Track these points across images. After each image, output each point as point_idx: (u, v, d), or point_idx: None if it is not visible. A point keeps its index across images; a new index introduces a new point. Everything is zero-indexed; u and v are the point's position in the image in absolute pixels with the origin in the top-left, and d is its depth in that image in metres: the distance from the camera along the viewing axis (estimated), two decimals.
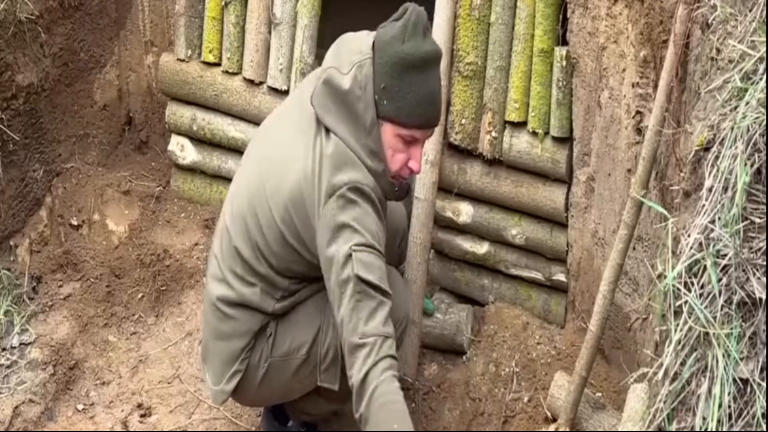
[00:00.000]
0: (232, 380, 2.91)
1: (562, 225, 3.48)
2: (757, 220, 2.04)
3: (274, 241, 2.76)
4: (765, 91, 2.12)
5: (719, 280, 2.01)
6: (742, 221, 2.04)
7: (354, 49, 2.67)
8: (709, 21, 2.38)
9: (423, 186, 3.41)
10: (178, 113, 4.01)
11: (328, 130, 2.66)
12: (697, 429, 1.94)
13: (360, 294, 2.53)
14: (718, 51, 2.30)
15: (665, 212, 2.41)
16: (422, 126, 2.68)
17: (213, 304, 2.89)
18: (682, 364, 2.00)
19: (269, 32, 3.76)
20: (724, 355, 1.95)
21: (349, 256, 2.54)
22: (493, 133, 3.45)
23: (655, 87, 2.79)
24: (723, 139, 2.13)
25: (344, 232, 2.56)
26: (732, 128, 2.11)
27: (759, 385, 1.92)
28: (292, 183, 2.67)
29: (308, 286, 2.88)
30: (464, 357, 3.51)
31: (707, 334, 1.98)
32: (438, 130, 3.43)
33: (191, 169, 4.08)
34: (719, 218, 2.05)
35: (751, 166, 2.07)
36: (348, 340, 2.51)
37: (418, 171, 2.77)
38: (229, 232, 2.86)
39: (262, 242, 2.78)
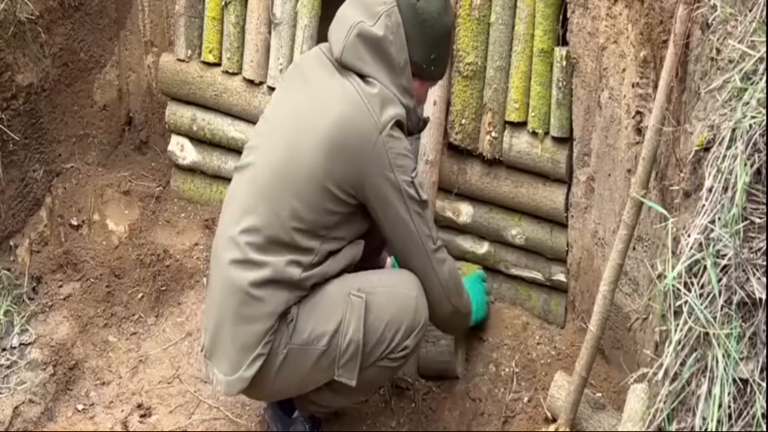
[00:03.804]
0: (253, 365, 2.86)
1: (562, 225, 3.48)
2: (757, 220, 2.04)
3: (311, 193, 2.84)
4: (765, 91, 2.12)
5: (719, 280, 2.01)
6: (742, 221, 2.04)
7: (374, 2, 2.93)
8: (709, 21, 2.38)
9: (423, 186, 3.41)
10: (178, 113, 4.01)
11: (362, 77, 2.89)
12: (697, 429, 1.94)
13: (425, 210, 2.96)
14: (718, 51, 2.30)
15: (665, 212, 2.41)
16: None
17: (240, 291, 2.86)
18: (682, 364, 2.00)
19: (269, 32, 3.77)
20: (724, 355, 1.95)
21: (411, 182, 2.89)
22: (493, 133, 3.45)
23: (655, 87, 2.79)
24: (723, 139, 2.13)
25: (400, 161, 2.87)
26: (732, 128, 2.11)
27: (759, 385, 1.92)
28: (334, 123, 2.85)
29: (332, 257, 2.91)
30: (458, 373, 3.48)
31: (707, 334, 1.98)
32: (438, 130, 3.43)
33: (191, 169, 4.08)
34: (719, 218, 2.05)
35: (751, 166, 2.07)
36: (427, 249, 2.96)
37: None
38: (249, 209, 2.89)
39: (296, 200, 2.84)
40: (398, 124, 2.88)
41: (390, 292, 2.95)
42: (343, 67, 2.91)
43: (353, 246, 2.99)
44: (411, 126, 3.00)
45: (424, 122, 3.14)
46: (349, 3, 2.98)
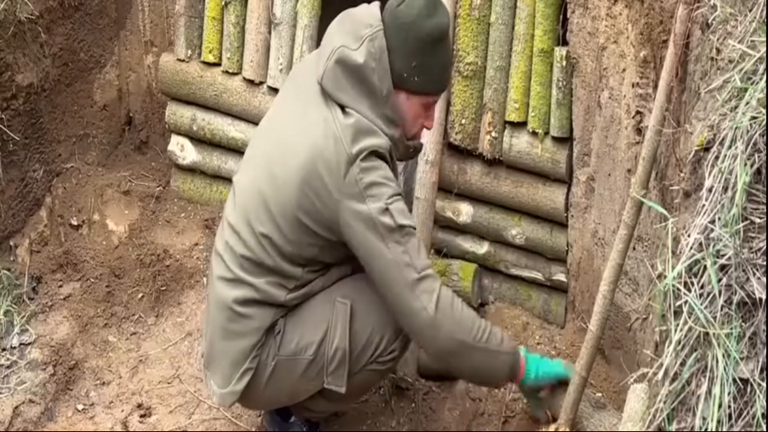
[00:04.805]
0: (242, 379, 2.89)
1: (562, 225, 3.48)
2: (757, 220, 2.04)
3: (288, 226, 2.77)
4: (765, 91, 2.12)
5: (719, 280, 2.01)
6: (742, 221, 2.04)
7: (361, 23, 2.74)
8: (709, 21, 2.38)
9: (423, 186, 3.41)
10: (178, 113, 4.01)
11: (342, 107, 2.74)
12: (697, 429, 1.94)
13: (405, 237, 2.71)
14: (718, 51, 2.30)
15: (665, 212, 2.41)
16: (444, 89, 2.94)
17: (226, 307, 2.87)
18: (682, 364, 2.00)
19: (269, 32, 3.77)
20: (724, 355, 1.95)
21: (386, 209, 2.69)
22: (493, 133, 3.45)
23: (655, 87, 2.79)
24: (723, 139, 2.13)
25: (373, 189, 2.69)
26: (732, 128, 2.11)
27: (759, 385, 1.92)
28: (305, 156, 2.72)
29: (318, 277, 2.89)
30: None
31: (707, 334, 1.98)
32: (438, 130, 3.43)
33: (191, 169, 4.08)
34: (719, 218, 2.05)
35: (751, 166, 2.07)
36: (407, 279, 2.70)
37: (431, 127, 2.97)
38: (235, 229, 2.87)
39: (273, 230, 2.79)
40: (375, 154, 2.71)
41: (376, 295, 2.87)
42: (324, 92, 2.77)
43: (341, 267, 2.91)
44: (399, 155, 2.86)
45: (416, 149, 2.96)
46: (339, 19, 2.83)
